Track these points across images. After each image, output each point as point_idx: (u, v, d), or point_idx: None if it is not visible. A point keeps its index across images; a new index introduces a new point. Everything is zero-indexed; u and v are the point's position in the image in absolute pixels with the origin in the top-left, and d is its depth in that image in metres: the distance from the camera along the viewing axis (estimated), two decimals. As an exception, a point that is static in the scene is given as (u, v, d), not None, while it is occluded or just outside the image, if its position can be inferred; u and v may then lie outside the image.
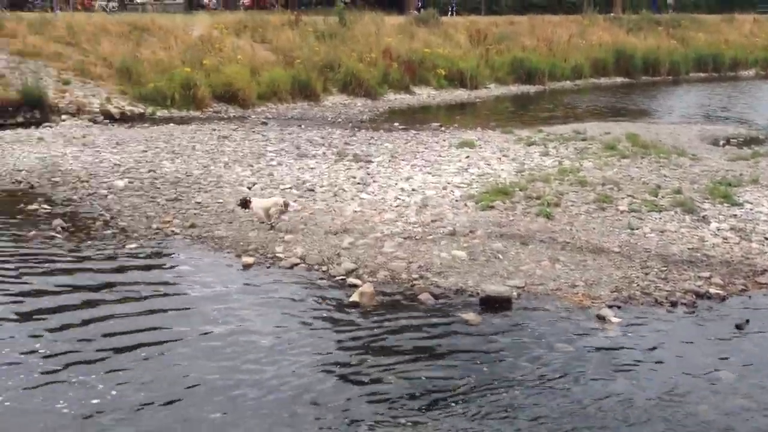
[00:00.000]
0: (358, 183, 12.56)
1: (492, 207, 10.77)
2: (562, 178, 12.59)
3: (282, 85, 25.44)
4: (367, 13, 33.54)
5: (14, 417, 5.64)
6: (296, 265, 8.82)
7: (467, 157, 14.78)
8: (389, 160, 14.60)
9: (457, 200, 11.28)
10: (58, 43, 24.37)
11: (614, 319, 7.43)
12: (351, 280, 8.34)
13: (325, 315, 7.57)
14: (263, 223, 10.09)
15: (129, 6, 54.69)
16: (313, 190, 12.13)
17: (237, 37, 28.46)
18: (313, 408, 5.82)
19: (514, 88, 32.27)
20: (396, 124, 21.68)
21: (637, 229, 9.96)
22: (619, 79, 36.34)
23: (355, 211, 10.78)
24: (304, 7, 49.63)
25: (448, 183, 12.36)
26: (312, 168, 13.94)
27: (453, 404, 5.90)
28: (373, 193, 11.86)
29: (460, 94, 30.03)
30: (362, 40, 30.20)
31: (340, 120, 23.08)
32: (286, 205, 10.05)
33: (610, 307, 7.70)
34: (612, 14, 48.38)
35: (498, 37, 36.06)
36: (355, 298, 7.78)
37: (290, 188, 12.26)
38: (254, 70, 25.53)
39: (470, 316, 7.47)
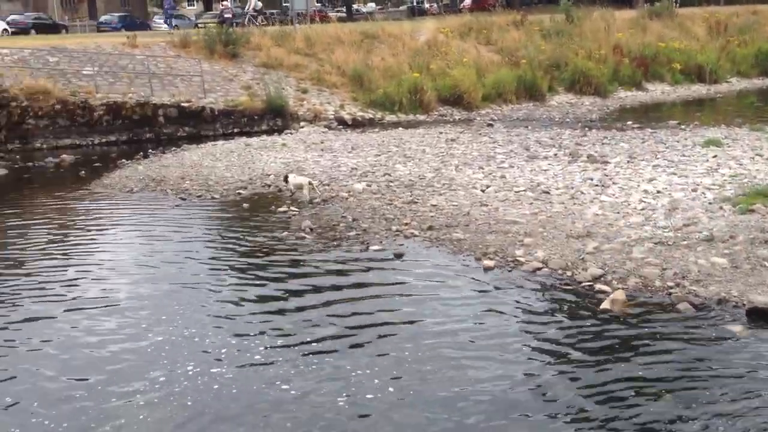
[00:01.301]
0: (596, 185, 12.07)
1: (752, 210, 9.84)
2: (832, 178, 11.30)
3: (507, 85, 25.29)
4: (596, 8, 32.37)
5: (304, 407, 5.91)
6: (539, 269, 8.59)
7: (715, 156, 13.72)
8: (627, 161, 13.93)
9: (710, 203, 10.45)
10: (297, 54, 25.94)
11: None
12: (599, 286, 7.97)
13: (575, 322, 7.29)
14: (296, 194, 12.66)
15: (356, 15, 57.25)
16: (548, 193, 11.83)
17: (462, 40, 28.70)
18: (569, 419, 5.59)
19: (759, 82, 29.76)
20: (629, 122, 20.74)
21: None
22: None
23: (596, 214, 10.34)
24: (525, 6, 49.05)
25: (697, 184, 11.51)
26: (545, 170, 13.62)
27: (721, 426, 5.40)
28: (613, 195, 11.33)
29: (698, 90, 28.16)
30: (591, 36, 29.27)
31: (568, 120, 22.49)
32: (311, 184, 12.72)
33: None
34: None
35: (739, 27, 33.45)
36: (606, 305, 7.42)
37: (524, 191, 12.04)
38: (479, 72, 25.58)
39: (737, 328, 6.86)
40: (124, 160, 17.65)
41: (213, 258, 9.89)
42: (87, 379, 6.43)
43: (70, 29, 48.31)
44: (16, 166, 17.92)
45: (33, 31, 41.86)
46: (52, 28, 44.37)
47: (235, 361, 6.66)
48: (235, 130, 22.01)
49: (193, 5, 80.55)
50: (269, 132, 21.48)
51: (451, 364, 6.48)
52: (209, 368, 6.51)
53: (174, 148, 19.06)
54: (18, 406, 6.01)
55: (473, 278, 8.56)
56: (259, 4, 37.40)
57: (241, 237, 10.84)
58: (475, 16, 32.69)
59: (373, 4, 69.51)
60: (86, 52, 23.46)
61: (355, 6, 63.24)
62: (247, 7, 37.97)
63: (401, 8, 70.45)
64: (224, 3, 35.75)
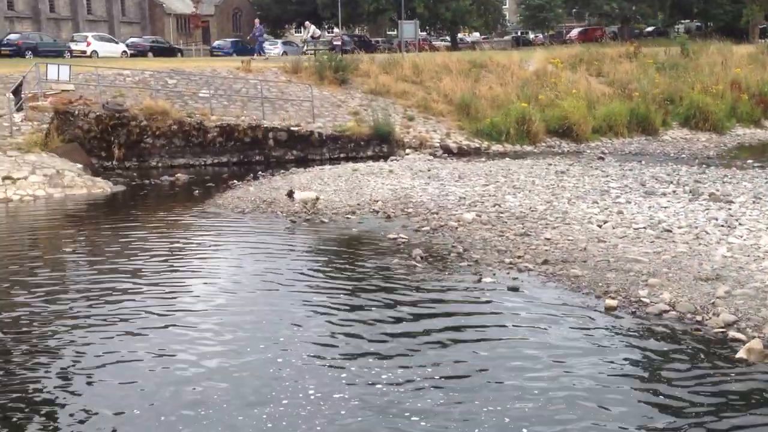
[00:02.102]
0: (722, 225, 11.47)
1: None
2: None
3: (618, 118, 24.68)
4: (712, 42, 31.33)
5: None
6: (665, 312, 8.16)
7: None
8: (753, 201, 13.23)
9: None
10: (404, 81, 26.08)
11: None
12: (732, 333, 7.49)
13: (708, 371, 6.83)
14: (305, 208, 13.73)
15: (460, 44, 57.38)
16: (670, 231, 11.31)
17: (572, 71, 28.20)
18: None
19: None
20: (749, 161, 19.81)
21: None
22: None
23: (725, 256, 9.77)
24: (633, 38, 47.97)
25: (834, 229, 10.77)
26: (664, 207, 13.08)
27: None
28: (741, 237, 10.72)
29: (822, 129, 26.71)
30: (707, 70, 28.26)
31: (683, 156, 21.72)
32: (317, 198, 13.93)
33: None
34: None
35: None
36: (742, 354, 6.95)
37: (644, 228, 11.56)
38: (590, 104, 25.06)
39: None
40: (235, 181, 18.04)
41: (324, 282, 9.88)
42: (212, 395, 6.43)
43: (185, 53, 50.34)
44: (134, 183, 18.60)
45: (150, 54, 43.79)
46: (169, 52, 46.35)
47: (357, 387, 6.56)
48: (341, 155, 22.28)
49: (300, 32, 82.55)
50: (374, 158, 21.61)
51: (571, 408, 6.16)
52: (332, 393, 6.43)
53: (282, 171, 19.38)
54: (142, 415, 6.07)
55: (594, 317, 8.19)
56: (318, 32, 37.91)
57: (352, 262, 10.80)
58: (586, 47, 32.14)
59: (477, 34, 69.47)
60: (203, 75, 24.28)
61: (459, 35, 63.35)
62: (305, 35, 38.56)
63: (506, 38, 70.20)
64: (335, 30, 36.40)
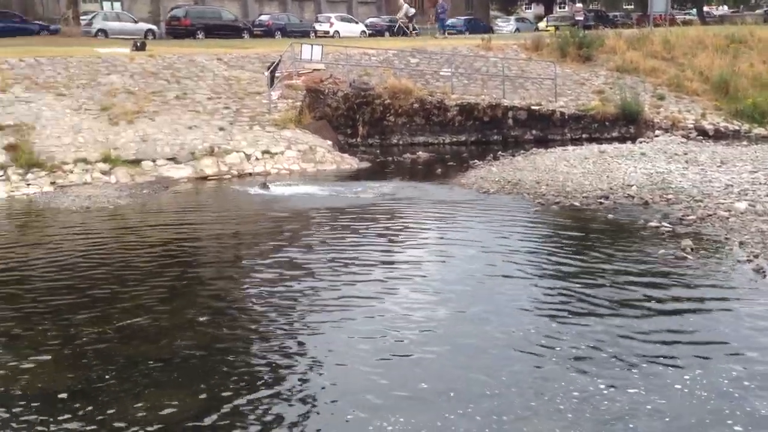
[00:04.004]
0: None
1: None
2: None
3: None
4: None
5: None
6: None
7: None
8: None
9: None
10: (653, 58, 24.48)
11: None
12: None
13: None
14: None
15: (707, 18, 53.23)
16: None
17: None
18: None
19: None
20: None
21: None
22: None
23: None
24: None
25: None
26: None
27: None
28: None
29: None
30: None
31: None
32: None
33: None
34: None
35: None
36: None
37: None
38: None
39: None
40: (476, 161, 17.83)
41: (584, 271, 9.32)
42: (490, 377, 6.30)
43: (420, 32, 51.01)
44: (378, 159, 19.02)
45: (387, 33, 44.83)
46: (403, 31, 47.16)
47: (653, 384, 6.15)
48: (584, 136, 21.42)
49: (530, 8, 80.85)
50: (620, 139, 20.52)
51: None
52: (626, 387, 6.08)
53: (522, 151, 18.86)
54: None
55: None
56: (412, 10, 36.99)
57: (612, 250, 10.13)
58: None
59: (725, 7, 64.04)
60: (443, 53, 24.31)
61: (705, 8, 58.73)
62: (399, 14, 37.82)
63: (757, 12, 64.04)
64: (578, 5, 35.10)
